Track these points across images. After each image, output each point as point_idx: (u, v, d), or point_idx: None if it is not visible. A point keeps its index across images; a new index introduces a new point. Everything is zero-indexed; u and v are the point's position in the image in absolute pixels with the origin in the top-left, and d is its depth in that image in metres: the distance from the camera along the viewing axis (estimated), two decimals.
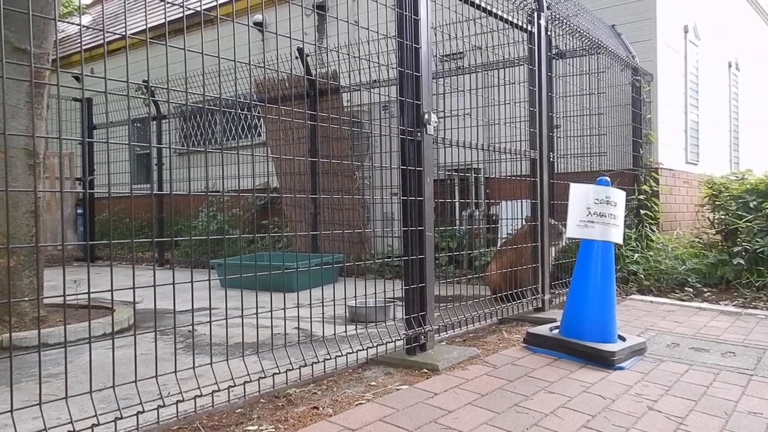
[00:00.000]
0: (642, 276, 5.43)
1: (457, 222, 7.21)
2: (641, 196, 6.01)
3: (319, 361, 2.63)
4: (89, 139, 4.91)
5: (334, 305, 4.40)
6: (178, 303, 2.32)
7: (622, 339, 3.39)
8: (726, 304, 5.01)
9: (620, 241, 3.36)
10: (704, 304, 4.94)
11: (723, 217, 5.83)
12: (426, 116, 2.99)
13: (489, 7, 3.80)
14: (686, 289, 5.37)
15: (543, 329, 3.47)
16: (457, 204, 7.32)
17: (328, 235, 7.02)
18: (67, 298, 2.00)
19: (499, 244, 6.21)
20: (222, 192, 4.60)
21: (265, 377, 2.43)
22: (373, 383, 2.68)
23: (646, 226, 5.98)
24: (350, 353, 2.76)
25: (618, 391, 2.74)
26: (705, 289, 5.37)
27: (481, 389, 2.63)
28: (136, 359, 2.15)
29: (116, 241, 2.02)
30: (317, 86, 6.89)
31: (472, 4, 3.64)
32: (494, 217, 6.92)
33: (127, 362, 2.14)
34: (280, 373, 2.51)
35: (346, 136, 6.87)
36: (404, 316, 3.04)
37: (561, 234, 4.83)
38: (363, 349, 2.81)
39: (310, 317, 2.96)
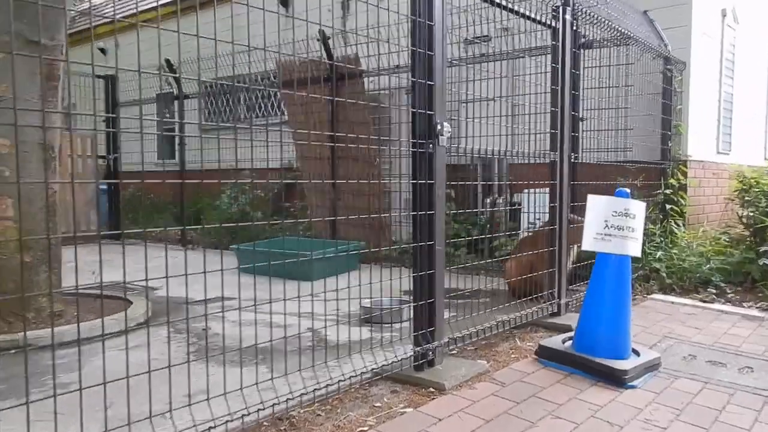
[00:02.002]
0: (664, 275, 5.33)
1: (479, 209, 7.13)
2: (668, 191, 5.86)
3: (321, 388, 2.62)
4: (110, 115, 4.92)
5: (349, 303, 4.41)
6: (196, 290, 2.34)
7: (636, 353, 3.34)
8: (750, 306, 4.91)
9: (638, 254, 3.29)
10: (726, 307, 4.84)
11: (752, 213, 5.67)
12: (438, 127, 2.93)
13: (511, 5, 3.67)
14: (709, 288, 5.26)
15: (556, 341, 3.43)
16: (479, 191, 7.24)
17: (348, 221, 7.01)
18: (87, 287, 2.02)
19: (520, 236, 6.14)
20: (251, 167, 4.58)
21: (279, 403, 2.44)
22: (378, 404, 2.67)
23: (671, 222, 5.84)
24: (354, 376, 2.74)
25: (627, 415, 2.70)
26: (728, 289, 5.26)
27: (486, 413, 2.61)
28: (150, 375, 2.14)
29: (128, 230, 2.01)
30: (337, 70, 6.80)
31: (494, 4, 3.52)
32: (517, 205, 6.83)
33: (139, 368, 2.14)
34: (293, 398, 2.51)
35: (367, 120, 6.80)
36: (412, 333, 3.02)
37: None
38: (368, 371, 2.80)
39: (325, 314, 2.96)
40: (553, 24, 3.99)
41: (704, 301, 4.98)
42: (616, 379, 3.06)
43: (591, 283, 3.33)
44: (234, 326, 3.64)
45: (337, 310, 4.26)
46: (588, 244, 3.27)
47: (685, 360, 3.55)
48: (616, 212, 3.24)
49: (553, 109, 4.08)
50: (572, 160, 4.22)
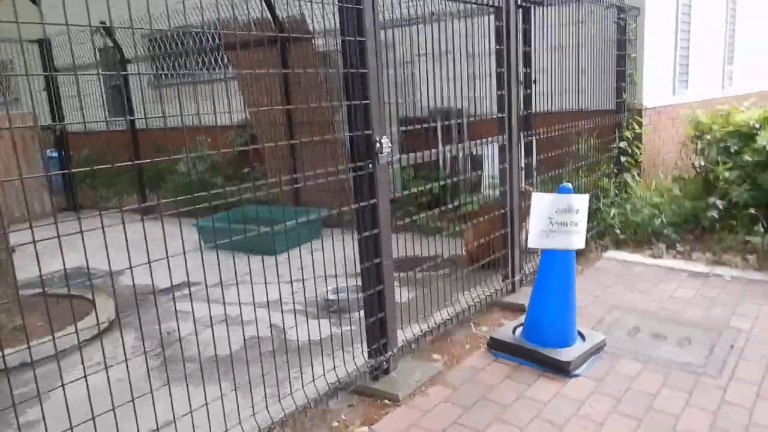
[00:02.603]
0: (618, 231, 5.52)
1: (441, 164, 7.20)
2: (622, 144, 5.97)
3: (283, 414, 2.79)
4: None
5: (315, 282, 4.55)
6: (160, 275, 2.47)
7: (582, 337, 3.55)
8: (698, 258, 5.14)
9: (581, 246, 3.44)
10: (675, 262, 5.07)
11: (703, 163, 5.82)
12: (378, 145, 2.98)
13: None
14: (661, 241, 5.47)
15: (506, 332, 3.62)
16: (440, 145, 7.28)
17: (308, 186, 7.04)
18: (49, 278, 2.12)
19: (481, 190, 6.25)
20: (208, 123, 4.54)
21: None
22: (336, 423, 2.86)
23: (626, 175, 5.98)
24: (314, 397, 2.91)
25: (568, 412, 2.92)
26: (680, 241, 5.48)
27: (436, 426, 2.81)
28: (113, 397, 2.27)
29: (84, 216, 2.07)
30: (283, 31, 6.66)
31: None
32: (477, 158, 6.92)
33: (103, 394, 2.27)
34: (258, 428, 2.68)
35: (319, 82, 6.73)
36: (365, 348, 3.18)
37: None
38: (327, 388, 2.97)
39: (292, 300, 3.08)
40: None
41: (655, 257, 5.20)
42: (562, 370, 3.27)
43: (538, 277, 3.50)
44: (200, 325, 3.77)
45: (304, 292, 4.41)
46: (533, 241, 3.42)
47: (630, 335, 3.77)
48: (559, 209, 3.36)
49: (499, 70, 4.07)
50: (523, 115, 4.26)
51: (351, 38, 2.89)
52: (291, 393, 2.90)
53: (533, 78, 5.15)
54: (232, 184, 8.28)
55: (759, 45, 9.92)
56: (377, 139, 2.99)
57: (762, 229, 4.98)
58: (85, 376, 2.18)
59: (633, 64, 6.05)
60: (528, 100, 5.04)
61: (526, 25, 4.73)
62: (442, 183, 4.45)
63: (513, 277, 4.32)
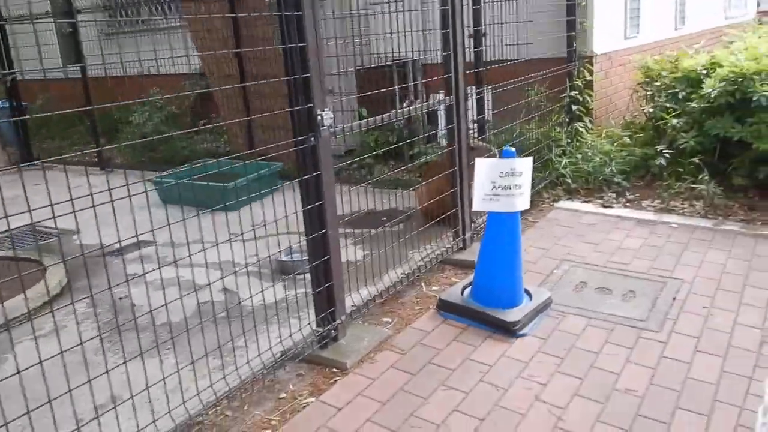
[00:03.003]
0: (570, 180, 5.56)
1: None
2: (573, 92, 5.96)
3: (229, 388, 2.79)
4: None
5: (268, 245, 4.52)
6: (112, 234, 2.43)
7: (529, 296, 3.60)
8: (647, 206, 5.22)
9: (526, 207, 3.45)
10: (624, 211, 5.14)
11: (653, 109, 5.86)
12: (319, 118, 2.91)
13: None
14: (612, 189, 5.54)
15: (455, 293, 3.65)
16: (396, 94, 7.19)
17: (266, 137, 6.93)
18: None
19: (439, 140, 6.21)
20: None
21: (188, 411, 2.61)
22: (283, 395, 2.88)
23: (577, 124, 5.99)
24: (260, 369, 2.92)
25: (513, 373, 2.99)
26: (629, 187, 5.55)
27: (383, 393, 2.85)
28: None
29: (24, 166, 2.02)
30: None
31: None
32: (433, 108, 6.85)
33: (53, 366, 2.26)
34: (202, 404, 2.68)
35: (271, 36, 6.54)
36: (312, 318, 3.18)
37: (493, 156, 4.86)
38: (274, 359, 2.97)
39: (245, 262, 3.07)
40: None
41: (605, 206, 5.26)
42: (508, 330, 3.33)
43: (484, 239, 3.51)
44: (152, 289, 3.71)
45: (256, 252, 4.38)
46: (477, 204, 3.41)
47: (576, 290, 3.84)
48: (503, 173, 3.35)
49: (444, 30, 3.98)
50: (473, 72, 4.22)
51: (288, 12, 2.78)
52: (236, 367, 2.90)
53: (483, 31, 5.08)
54: (188, 137, 8.11)
55: None
56: (319, 112, 2.92)
57: (707, 176, 5.05)
58: (40, 362, 2.13)
59: (583, 12, 5.98)
60: (479, 56, 4.97)
61: None
62: (393, 135, 4.39)
63: (464, 234, 4.34)
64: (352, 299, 3.44)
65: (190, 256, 2.76)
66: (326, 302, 3.14)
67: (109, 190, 2.29)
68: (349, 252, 4.31)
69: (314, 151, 2.95)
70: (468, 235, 4.37)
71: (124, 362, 2.47)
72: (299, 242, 4.16)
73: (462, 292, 3.66)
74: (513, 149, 3.41)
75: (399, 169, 5.55)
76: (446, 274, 4.18)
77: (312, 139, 2.92)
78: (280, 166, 6.25)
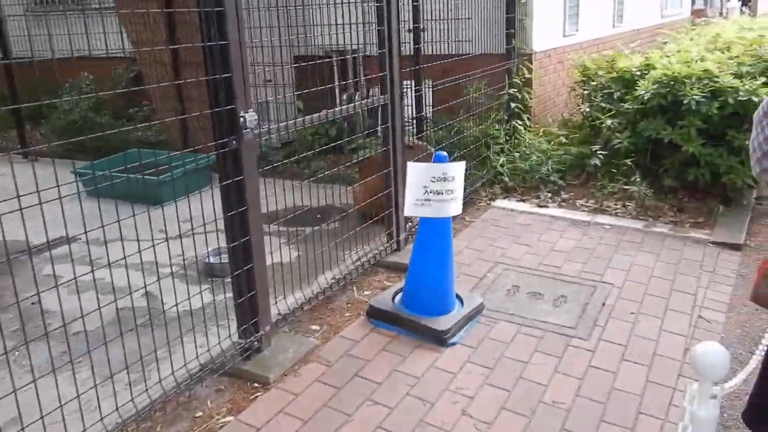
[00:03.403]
0: (507, 179, 5.55)
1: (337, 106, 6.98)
2: (512, 90, 5.94)
3: (145, 406, 2.64)
4: None
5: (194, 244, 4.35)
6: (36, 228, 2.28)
7: (461, 302, 3.55)
8: (582, 206, 5.25)
9: (459, 212, 3.39)
10: (559, 211, 5.15)
11: (588, 109, 5.89)
12: (242, 120, 2.76)
13: None
14: (549, 185, 5.55)
15: (386, 299, 3.57)
16: (336, 87, 7.04)
17: (200, 127, 6.68)
18: None
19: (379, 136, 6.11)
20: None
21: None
22: (200, 413, 2.74)
23: (516, 121, 5.98)
24: (176, 387, 2.77)
25: (440, 386, 2.93)
26: (565, 186, 5.58)
27: (306, 410, 2.74)
28: None
29: None
30: None
31: None
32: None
33: None
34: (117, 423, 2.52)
35: None
36: (235, 330, 3.05)
37: (431, 155, 4.79)
38: (192, 374, 2.83)
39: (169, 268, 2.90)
40: None
41: (541, 206, 5.27)
42: (438, 339, 3.27)
43: (415, 244, 3.44)
44: (68, 293, 3.50)
45: (182, 253, 4.19)
46: (409, 210, 3.33)
47: (509, 295, 3.82)
48: (434, 178, 3.27)
49: (380, 27, 3.87)
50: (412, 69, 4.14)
51: (208, 9, 2.61)
52: (146, 387, 2.74)
53: (422, 27, 4.99)
54: (119, 125, 7.77)
55: None
56: (242, 113, 2.77)
57: (639, 178, 5.11)
58: None
59: (523, 9, 5.95)
60: (417, 53, 4.88)
61: None
62: (333, 128, 4.26)
63: (398, 235, 4.26)
64: (277, 308, 3.31)
65: (108, 256, 2.61)
66: (249, 312, 3.01)
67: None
68: (281, 253, 4.17)
69: (236, 155, 2.80)
70: (402, 236, 4.29)
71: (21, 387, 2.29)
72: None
73: (393, 299, 3.58)
74: (445, 153, 3.34)
75: (337, 167, 5.41)
76: (379, 277, 4.10)
77: (234, 142, 2.77)
78: (211, 159, 6.03)
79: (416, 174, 3.28)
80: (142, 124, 6.14)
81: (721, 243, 4.43)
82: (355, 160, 5.61)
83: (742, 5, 16.29)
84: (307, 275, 3.77)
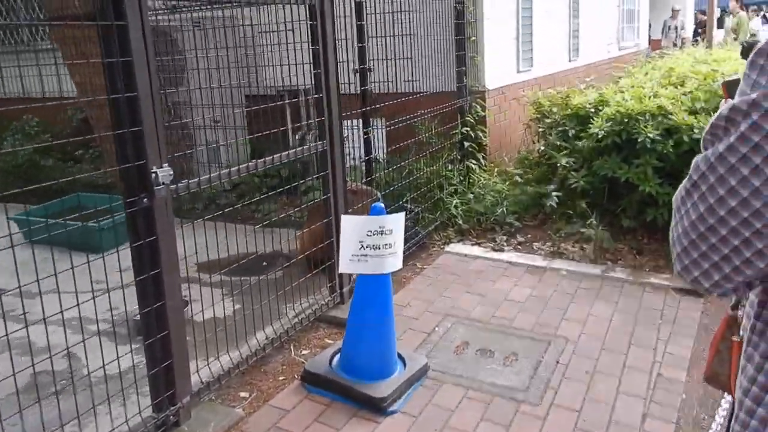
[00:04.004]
0: (461, 222, 5.33)
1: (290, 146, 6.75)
2: (465, 129, 5.76)
3: None
4: None
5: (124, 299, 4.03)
6: None
7: (403, 362, 3.28)
8: (538, 249, 5.05)
9: (398, 267, 3.14)
10: (515, 256, 4.94)
11: (543, 147, 5.73)
12: (153, 176, 2.50)
13: None
14: (504, 229, 5.35)
15: (322, 362, 3.29)
16: (289, 128, 6.81)
17: None
18: None
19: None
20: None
21: None
22: None
23: (470, 160, 5.80)
24: None
25: None
26: (522, 227, 5.39)
27: None
28: None
29: None
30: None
31: None
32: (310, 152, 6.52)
33: None
34: None
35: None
36: (148, 403, 2.74)
37: (377, 201, 4.55)
38: None
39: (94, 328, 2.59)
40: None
41: (495, 250, 5.05)
42: (376, 407, 2.99)
43: (352, 303, 3.18)
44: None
45: (108, 307, 3.87)
46: (344, 266, 3.07)
47: (457, 352, 3.56)
48: (371, 231, 3.02)
49: (316, 71, 3.64)
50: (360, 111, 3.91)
51: (113, 59, 2.36)
52: None
53: (368, 67, 4.80)
54: (66, 167, 7.43)
55: (602, 13, 10.10)
56: (154, 169, 2.50)
57: (595, 221, 4.93)
58: None
59: (474, 47, 5.81)
60: (365, 94, 4.69)
61: (360, 21, 4.38)
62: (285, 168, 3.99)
63: (341, 288, 3.99)
64: (199, 376, 3.00)
65: (24, 311, 2.34)
66: (164, 384, 2.71)
67: None
68: (216, 308, 3.86)
69: (148, 213, 2.53)
70: (346, 288, 4.02)
71: None
72: None
73: (330, 361, 3.30)
74: (382, 205, 3.10)
75: (286, 211, 5.15)
76: (320, 333, 3.81)
77: (145, 199, 2.50)
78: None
79: (351, 228, 3.03)
80: (82, 174, 5.82)
81: (681, 289, 4.24)
82: (305, 204, 5.37)
83: (695, 36, 16.56)
84: (244, 332, 3.46)
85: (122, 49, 2.35)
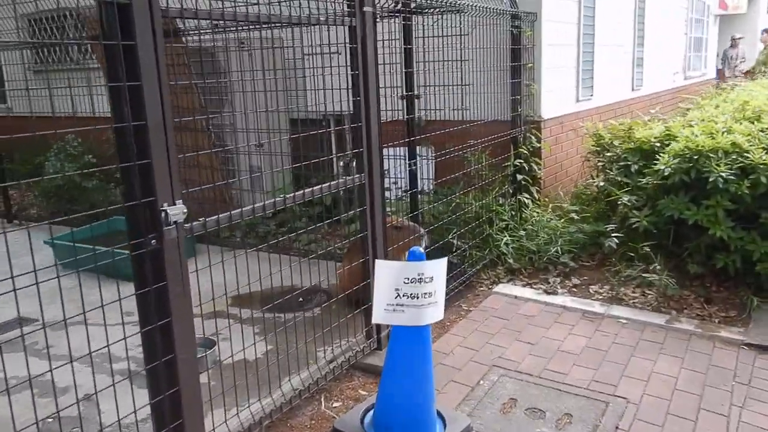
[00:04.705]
0: (511, 261, 4.99)
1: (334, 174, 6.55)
2: (518, 161, 5.44)
3: None
4: None
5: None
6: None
7: (443, 421, 2.96)
8: (595, 292, 4.67)
9: (438, 318, 2.84)
10: (570, 299, 4.57)
11: (603, 183, 5.36)
12: (163, 214, 2.28)
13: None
14: (558, 270, 4.99)
15: (353, 419, 2.99)
16: (334, 154, 6.63)
17: (187, 196, 6.25)
18: None
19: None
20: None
21: None
22: None
23: (523, 194, 5.46)
24: None
25: None
26: (577, 268, 5.01)
27: None
28: None
29: None
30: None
31: None
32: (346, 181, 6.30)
33: None
34: None
35: (191, 86, 5.94)
36: None
37: (422, 238, 4.28)
38: None
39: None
40: (351, 23, 3.28)
41: (548, 292, 4.68)
42: None
43: (387, 354, 2.89)
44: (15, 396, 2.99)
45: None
46: (378, 317, 2.79)
47: (504, 411, 3.22)
48: (408, 279, 2.73)
49: (355, 98, 3.40)
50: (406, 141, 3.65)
51: (119, 83, 2.16)
52: None
53: (417, 94, 4.56)
54: (107, 189, 7.40)
55: (668, 41, 9.64)
56: (164, 206, 2.28)
57: (659, 266, 4.52)
58: None
59: (530, 74, 5.50)
60: (410, 123, 4.44)
61: (407, 45, 4.16)
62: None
63: (378, 333, 3.71)
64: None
65: (47, 347, 2.15)
66: None
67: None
68: (244, 350, 3.63)
69: (157, 255, 2.30)
70: (384, 333, 3.74)
71: None
72: (202, 331, 3.52)
73: (363, 418, 3.00)
74: (421, 250, 2.81)
75: (328, 242, 4.92)
76: (354, 383, 3.53)
77: (153, 241, 2.28)
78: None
79: (387, 274, 2.75)
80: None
81: (757, 345, 3.81)
82: (346, 236, 5.13)
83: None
84: (273, 377, 3.20)
85: (130, 72, 2.14)
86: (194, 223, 2.46)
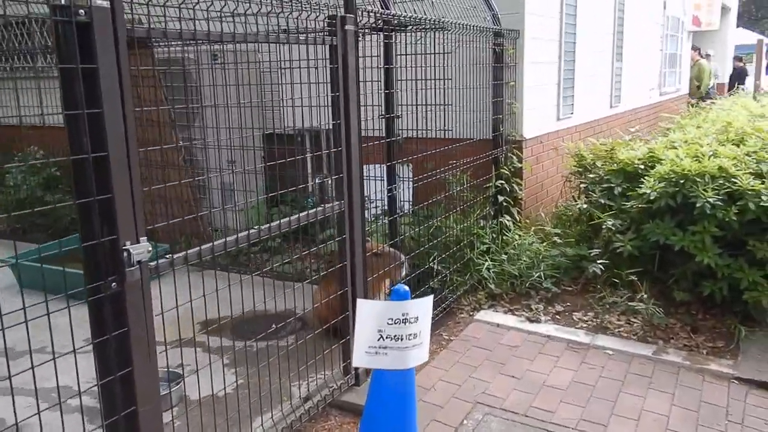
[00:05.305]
0: (492, 286, 4.83)
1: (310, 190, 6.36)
2: (499, 182, 5.29)
3: None
4: None
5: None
6: None
7: None
8: (579, 320, 4.52)
9: (423, 360, 2.66)
10: (553, 329, 4.41)
11: (585, 206, 5.23)
12: (125, 254, 2.06)
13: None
14: (541, 292, 4.84)
15: None
16: (309, 171, 6.43)
17: (151, 211, 5.99)
18: None
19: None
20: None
21: None
22: None
23: (504, 217, 5.31)
24: None
25: None
26: (560, 293, 4.87)
27: None
28: None
29: None
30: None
31: None
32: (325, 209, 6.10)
33: None
34: None
35: (159, 98, 5.69)
36: None
37: (402, 265, 4.10)
38: None
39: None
40: (332, 42, 3.09)
41: (531, 320, 4.53)
42: None
43: (368, 401, 2.69)
44: None
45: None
46: (359, 360, 2.59)
47: None
48: (392, 320, 2.55)
49: (335, 122, 3.21)
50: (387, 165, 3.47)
51: (78, 111, 1.94)
52: None
53: (396, 114, 4.39)
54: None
55: (645, 57, 9.63)
56: (126, 245, 2.06)
57: (645, 294, 4.39)
58: None
59: (512, 92, 5.36)
60: (391, 147, 4.26)
61: (387, 65, 3.99)
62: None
63: (357, 368, 3.50)
64: None
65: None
66: None
67: None
68: (212, 384, 3.39)
69: (118, 299, 2.08)
70: (362, 369, 3.53)
71: None
72: (166, 364, 3.28)
73: None
74: (406, 288, 2.63)
75: (302, 262, 4.71)
76: (330, 423, 3.32)
77: (114, 284, 2.06)
78: (165, 248, 5.33)
79: (368, 315, 2.55)
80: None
81: (748, 380, 3.69)
82: (322, 257, 4.92)
83: (739, 83, 15.90)
84: (242, 417, 2.98)
85: (90, 98, 1.93)
86: (160, 261, 2.24)
